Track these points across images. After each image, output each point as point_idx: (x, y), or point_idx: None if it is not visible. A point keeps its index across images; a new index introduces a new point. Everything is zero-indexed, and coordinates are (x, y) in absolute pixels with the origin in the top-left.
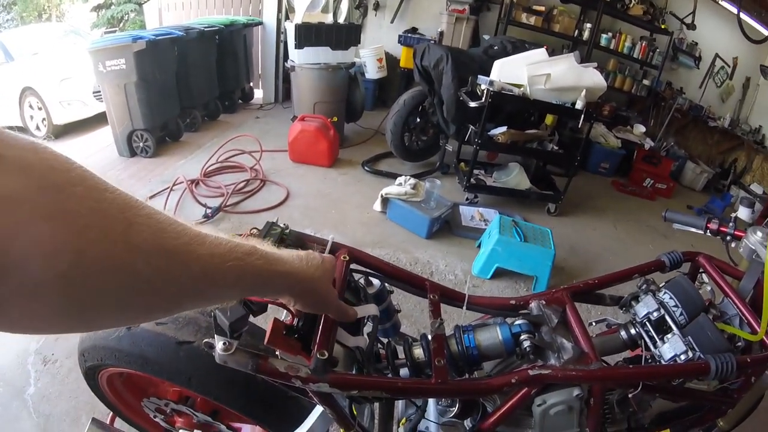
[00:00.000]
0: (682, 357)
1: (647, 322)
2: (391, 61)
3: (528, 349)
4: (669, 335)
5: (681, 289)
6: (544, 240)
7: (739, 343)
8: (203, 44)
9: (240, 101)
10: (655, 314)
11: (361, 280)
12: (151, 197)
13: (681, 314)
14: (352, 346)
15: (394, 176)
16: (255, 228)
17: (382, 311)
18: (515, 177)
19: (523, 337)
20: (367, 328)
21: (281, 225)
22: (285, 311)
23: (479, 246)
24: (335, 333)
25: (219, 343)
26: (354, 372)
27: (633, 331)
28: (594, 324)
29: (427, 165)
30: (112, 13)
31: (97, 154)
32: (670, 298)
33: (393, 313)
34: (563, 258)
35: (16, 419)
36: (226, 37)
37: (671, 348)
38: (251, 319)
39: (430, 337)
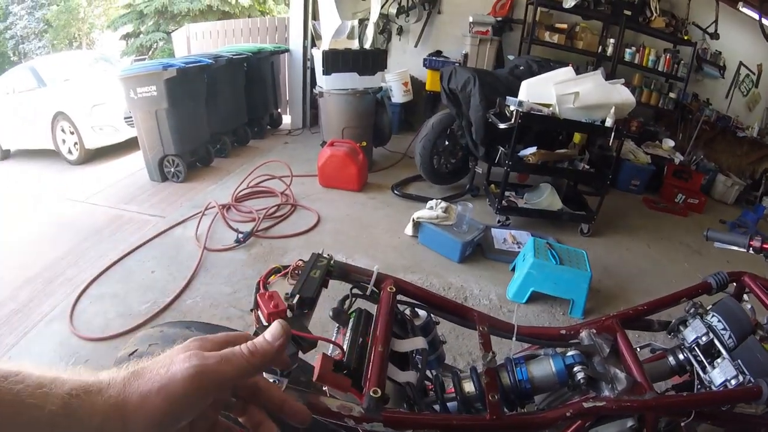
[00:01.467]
0: (733, 382)
1: (696, 347)
2: (416, 84)
3: (582, 381)
4: (719, 360)
5: (729, 312)
6: (579, 262)
7: None
8: (232, 71)
9: (268, 127)
10: (704, 338)
11: (407, 311)
12: (182, 222)
13: (730, 337)
14: (403, 382)
15: (423, 200)
16: (301, 260)
17: (429, 343)
18: (547, 198)
19: (576, 368)
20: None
21: (326, 256)
22: (332, 346)
23: (513, 269)
24: (386, 368)
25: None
26: (405, 409)
27: (681, 357)
28: (639, 350)
29: (456, 188)
30: (141, 41)
31: (128, 179)
32: (719, 321)
33: (438, 344)
34: (598, 280)
35: None
36: (253, 65)
37: (722, 373)
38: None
39: (479, 370)
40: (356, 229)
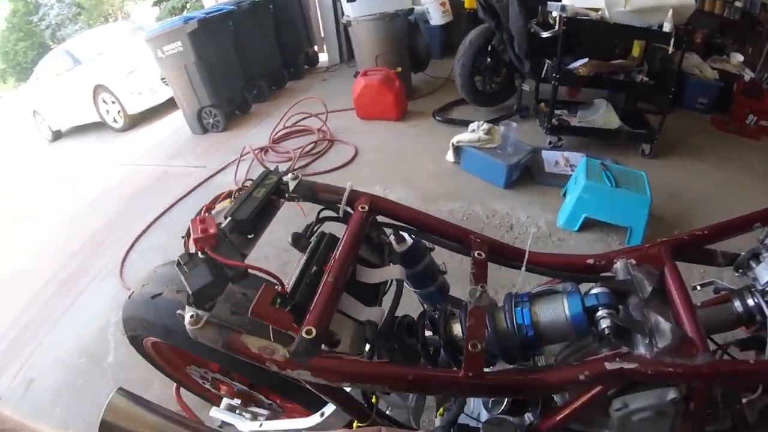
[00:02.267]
0: None
1: None
2: (455, 5)
3: (607, 331)
4: None
5: None
6: (638, 185)
7: None
8: (258, 15)
9: (305, 66)
10: None
11: (392, 237)
12: (222, 169)
13: None
14: (364, 321)
15: (467, 124)
16: (249, 179)
17: (421, 272)
18: (603, 115)
19: (600, 313)
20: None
21: (277, 173)
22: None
23: (565, 194)
24: (336, 303)
25: (187, 315)
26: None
27: (751, 302)
28: (698, 288)
29: (503, 109)
30: (172, 4)
31: (172, 136)
32: None
33: (436, 274)
34: (660, 206)
35: (95, 385)
36: (280, 5)
37: None
38: None
39: (468, 311)
40: (395, 159)
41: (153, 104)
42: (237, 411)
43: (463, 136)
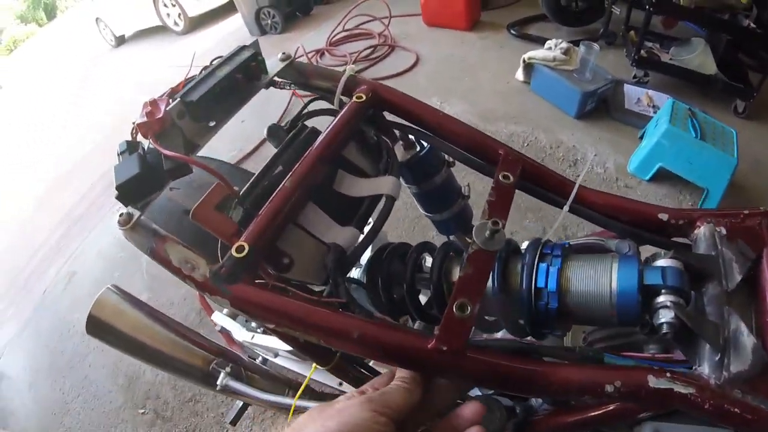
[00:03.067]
0: None
1: None
2: None
3: (666, 328)
4: None
5: None
6: (725, 143)
7: None
8: None
9: None
10: None
11: (400, 142)
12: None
13: None
14: (329, 243)
15: (544, 42)
16: (220, 57)
17: (433, 192)
18: (699, 56)
19: (663, 298)
20: None
21: (255, 47)
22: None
23: (642, 137)
24: (293, 215)
25: (117, 215)
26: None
27: None
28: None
29: (587, 32)
30: None
31: (229, 37)
32: None
33: (454, 196)
34: (744, 174)
35: (131, 276)
36: None
37: None
38: None
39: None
40: (458, 72)
41: (213, 6)
42: (237, 318)
43: (537, 53)
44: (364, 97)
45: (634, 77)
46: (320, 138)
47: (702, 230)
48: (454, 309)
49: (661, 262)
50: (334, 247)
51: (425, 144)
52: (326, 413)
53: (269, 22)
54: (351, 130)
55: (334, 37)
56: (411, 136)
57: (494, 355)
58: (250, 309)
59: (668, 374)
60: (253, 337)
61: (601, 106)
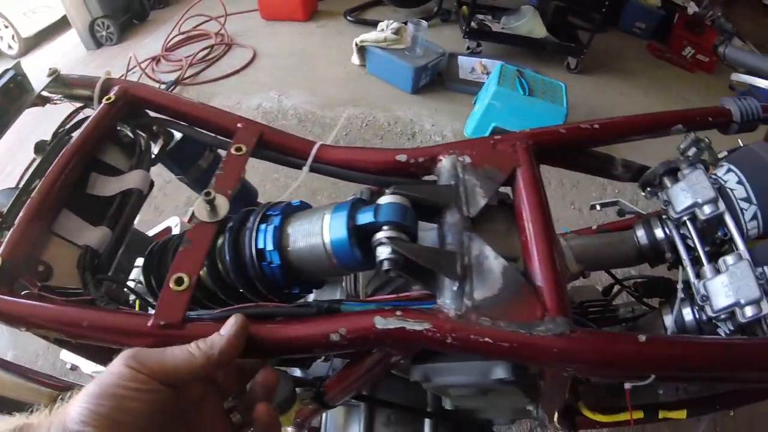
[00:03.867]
0: (749, 311)
1: (689, 222)
2: None
3: (386, 265)
4: (729, 258)
5: (762, 170)
6: (554, 95)
7: None
8: None
9: None
10: (707, 209)
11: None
12: None
13: (754, 217)
14: (81, 245)
15: None
16: None
17: (202, 177)
18: (528, 22)
19: (380, 236)
20: None
21: (15, 71)
22: None
23: (476, 103)
24: (46, 225)
25: None
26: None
27: (660, 234)
28: (598, 208)
29: (423, 11)
30: None
31: (67, 56)
32: (738, 182)
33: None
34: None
35: None
36: None
37: (729, 288)
38: None
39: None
40: (297, 63)
41: (49, 23)
42: None
43: (369, 36)
44: (113, 98)
45: (468, 48)
46: (68, 145)
47: (444, 163)
48: (171, 284)
49: (380, 201)
50: (84, 249)
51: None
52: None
53: (104, 33)
54: (102, 133)
55: (170, 41)
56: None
57: (214, 325)
58: (8, 320)
59: (398, 313)
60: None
61: (437, 79)
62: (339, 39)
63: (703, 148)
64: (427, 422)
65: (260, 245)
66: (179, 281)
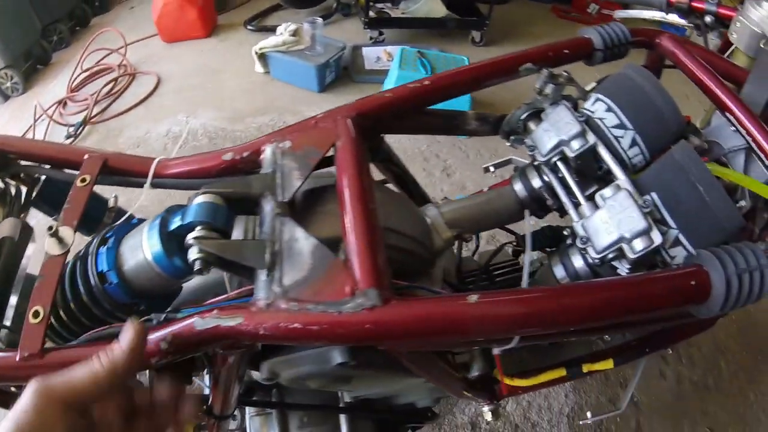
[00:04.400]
0: (638, 244)
1: (561, 163)
2: None
3: (199, 264)
4: (607, 190)
5: (633, 92)
6: None
7: (742, 203)
8: None
9: None
10: (576, 145)
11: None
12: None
13: (633, 144)
14: None
15: None
16: None
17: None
18: (426, 3)
19: (190, 237)
20: None
21: None
22: None
23: None
24: None
25: None
26: None
27: (538, 182)
28: (492, 170)
29: (323, 9)
30: None
31: None
32: (607, 110)
33: (102, 212)
34: (492, 91)
35: None
36: None
37: (610, 223)
38: None
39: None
40: (202, 81)
41: None
42: None
43: (267, 42)
44: None
45: (371, 38)
46: None
47: (266, 152)
48: (29, 317)
49: (197, 201)
50: None
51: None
52: None
53: (9, 84)
54: None
55: (74, 81)
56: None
57: (74, 349)
58: None
59: (215, 312)
60: None
61: (344, 74)
62: (242, 50)
63: (563, 83)
64: (343, 417)
65: (100, 268)
66: (36, 314)
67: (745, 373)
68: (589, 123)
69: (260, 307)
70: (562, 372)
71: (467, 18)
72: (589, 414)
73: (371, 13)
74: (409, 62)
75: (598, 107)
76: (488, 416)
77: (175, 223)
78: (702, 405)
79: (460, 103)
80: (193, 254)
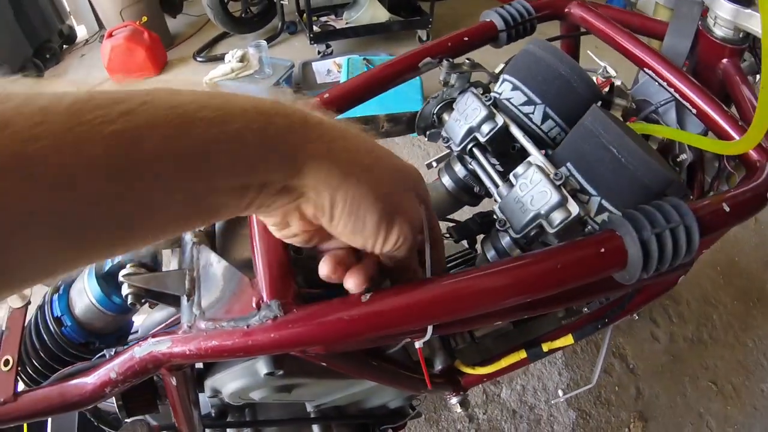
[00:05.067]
0: (556, 217)
1: (477, 150)
2: None
3: (131, 299)
4: (519, 168)
5: (536, 66)
6: None
7: (683, 156)
8: None
9: (64, 46)
10: (487, 128)
11: None
12: None
13: (546, 117)
14: None
15: None
16: None
17: None
18: (368, 10)
19: (120, 277)
20: None
21: None
22: None
23: None
24: None
25: None
26: None
27: (462, 171)
28: (435, 165)
29: (270, 30)
30: None
31: None
32: (513, 89)
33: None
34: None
35: None
36: None
37: (523, 201)
38: None
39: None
40: None
41: None
42: None
43: (216, 71)
44: None
45: (319, 53)
46: None
47: None
48: (1, 366)
49: None
50: None
51: None
52: None
53: None
54: None
55: None
56: None
57: (42, 391)
58: None
59: (150, 339)
60: None
61: (297, 90)
62: (195, 82)
63: (467, 71)
64: (315, 427)
65: (55, 313)
66: (6, 363)
67: (739, 322)
68: (497, 105)
69: (184, 330)
70: (522, 354)
71: (411, 18)
72: (560, 392)
73: (315, 28)
74: (357, 70)
75: (504, 88)
76: (457, 408)
77: (108, 264)
78: (700, 360)
79: (411, 91)
80: (125, 290)
